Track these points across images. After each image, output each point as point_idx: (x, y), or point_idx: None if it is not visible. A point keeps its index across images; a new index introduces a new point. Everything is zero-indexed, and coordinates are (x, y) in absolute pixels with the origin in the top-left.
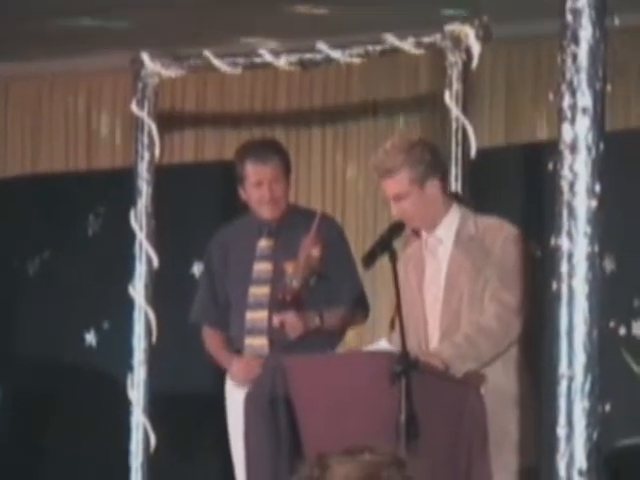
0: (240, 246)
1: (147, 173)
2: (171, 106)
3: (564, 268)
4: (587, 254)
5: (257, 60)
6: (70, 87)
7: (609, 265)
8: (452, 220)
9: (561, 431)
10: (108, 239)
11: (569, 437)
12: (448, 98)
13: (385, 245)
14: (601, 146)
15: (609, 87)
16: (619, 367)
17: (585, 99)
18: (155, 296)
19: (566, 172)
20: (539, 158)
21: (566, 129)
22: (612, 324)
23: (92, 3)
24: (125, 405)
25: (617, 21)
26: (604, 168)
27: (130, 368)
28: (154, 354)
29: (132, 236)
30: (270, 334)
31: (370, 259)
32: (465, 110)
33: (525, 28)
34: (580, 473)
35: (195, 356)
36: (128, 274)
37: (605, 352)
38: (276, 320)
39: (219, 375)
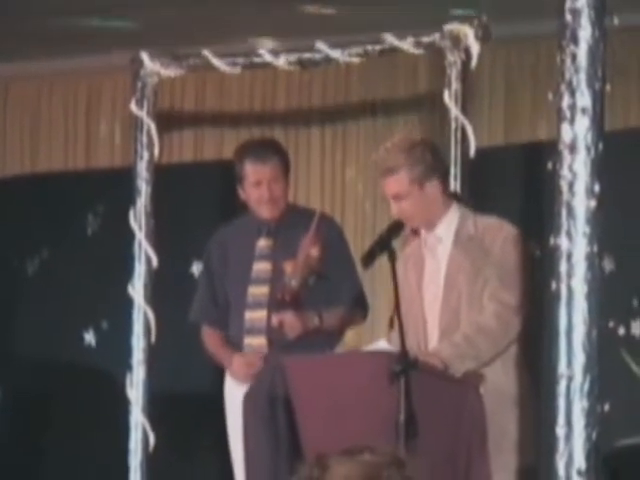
0: (239, 246)
1: (146, 172)
2: (170, 105)
3: (563, 268)
4: (586, 254)
5: (256, 60)
6: (69, 87)
7: (608, 265)
8: (452, 219)
9: (560, 431)
10: (107, 239)
11: (568, 437)
12: (447, 98)
13: (384, 245)
14: (600, 146)
15: (608, 87)
16: (618, 367)
17: (584, 99)
18: (154, 296)
19: (565, 172)
20: (538, 158)
21: (565, 129)
22: (611, 324)
23: (91, 3)
24: (124, 404)
25: (616, 21)
26: (603, 168)
27: (129, 368)
28: (153, 354)
29: (131, 235)
30: (269, 334)
31: (369, 259)
32: (464, 110)
33: (524, 28)
34: (579, 473)
35: (194, 356)
36: (127, 274)
37: (604, 352)
38: (275, 320)
39: (218, 375)
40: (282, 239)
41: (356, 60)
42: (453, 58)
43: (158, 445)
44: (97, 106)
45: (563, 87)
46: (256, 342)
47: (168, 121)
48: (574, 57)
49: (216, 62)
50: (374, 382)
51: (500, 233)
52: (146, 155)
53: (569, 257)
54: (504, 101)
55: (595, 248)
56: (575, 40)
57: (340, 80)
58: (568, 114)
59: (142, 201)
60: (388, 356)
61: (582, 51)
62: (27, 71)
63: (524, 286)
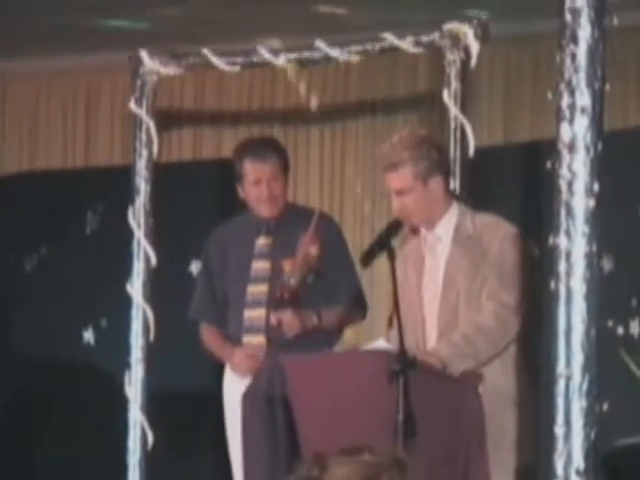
0: (238, 244)
1: (145, 171)
2: (169, 104)
3: (562, 267)
4: (585, 253)
5: (255, 58)
6: (68, 85)
7: (607, 265)
8: (451, 218)
9: (559, 430)
10: (106, 237)
11: (567, 436)
12: (447, 97)
13: (383, 244)
14: (599, 146)
15: (608, 87)
16: (617, 366)
17: (584, 98)
18: (153, 294)
19: (564, 171)
20: (538, 157)
21: (565, 128)
22: (610, 323)
23: (90, 1)
24: (123, 403)
25: (616, 20)
26: (602, 168)
27: (128, 366)
28: (152, 352)
29: (130, 234)
30: (268, 332)
31: (368, 258)
32: (464, 109)
33: (524, 27)
34: (578, 472)
35: (193, 354)
36: (126, 272)
37: (603, 351)
38: (274, 318)
39: (217, 373)
40: (281, 238)
41: (356, 59)
42: (453, 57)
43: (157, 443)
44: (96, 104)
45: (562, 86)
46: (255, 341)
47: (167, 119)
48: (574, 56)
49: (215, 61)
50: (373, 381)
51: (499, 232)
52: (145, 153)
53: (568, 256)
54: (503, 100)
55: (594, 248)
56: (575, 39)
57: (339, 79)
58: (567, 113)
59: (141, 199)
60: (387, 355)
61: (582, 51)
62: (26, 69)
63: (523, 286)
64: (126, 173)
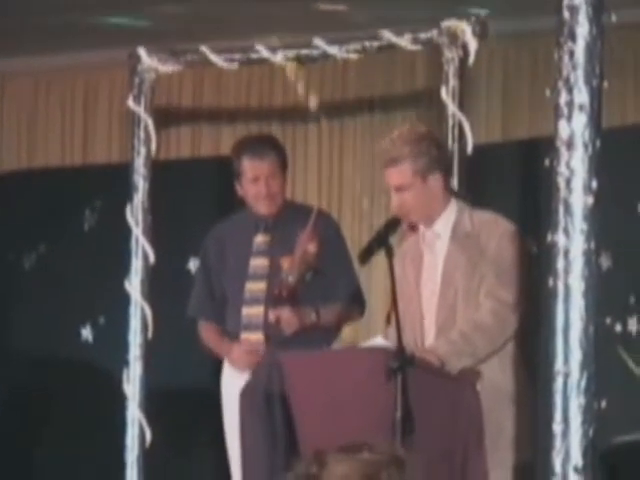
0: (236, 241)
1: (143, 168)
2: (168, 101)
3: (560, 265)
4: (583, 251)
5: (254, 56)
6: (67, 82)
7: (605, 262)
8: (450, 215)
9: (557, 428)
10: (104, 234)
11: (565, 434)
12: (445, 94)
13: (381, 241)
14: (597, 143)
15: (606, 84)
16: (615, 364)
17: (582, 96)
18: (151, 291)
19: (563, 169)
20: (536, 155)
21: (563, 126)
22: (608, 321)
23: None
24: (121, 400)
25: (614, 18)
26: (600, 165)
27: (126, 363)
28: (150, 349)
29: (128, 231)
30: (266, 330)
31: (367, 255)
32: (462, 106)
33: (522, 25)
34: (576, 470)
35: (191, 351)
36: (124, 269)
37: (601, 349)
38: (272, 316)
39: (215, 370)
40: (279, 235)
41: (354, 56)
42: (451, 55)
43: (155, 441)
44: (94, 102)
45: (561, 84)
46: (253, 338)
47: (165, 117)
48: (572, 54)
49: (213, 58)
50: (371, 378)
51: (497, 230)
52: (143, 151)
53: (566, 254)
54: (501, 98)
55: (592, 245)
56: (573, 37)
57: (337, 76)
58: (566, 111)
59: (139, 197)
60: (385, 352)
61: (580, 48)
62: (24, 67)
63: (521, 283)
64: (124, 171)
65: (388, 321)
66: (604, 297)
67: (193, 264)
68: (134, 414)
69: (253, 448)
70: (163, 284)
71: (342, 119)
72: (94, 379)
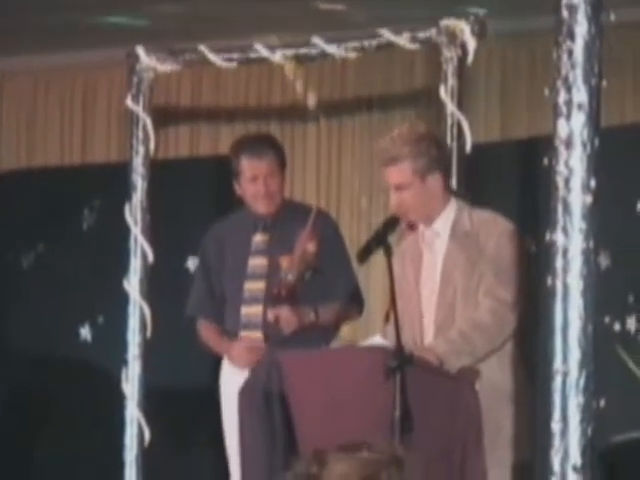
0: (235, 241)
1: (142, 168)
2: (166, 101)
3: (559, 264)
4: (582, 250)
5: (252, 55)
6: (65, 81)
7: (604, 261)
8: (449, 214)
9: (556, 426)
10: (103, 233)
11: (564, 433)
12: (443, 93)
13: (380, 240)
14: (596, 142)
15: (604, 83)
16: (614, 363)
17: (580, 95)
18: (150, 291)
19: (561, 168)
20: (534, 154)
21: (561, 125)
22: (607, 320)
23: None
24: (120, 399)
25: (613, 17)
26: (599, 164)
27: (125, 362)
28: (149, 349)
29: (127, 230)
30: (265, 329)
31: (365, 254)
32: (460, 105)
33: (521, 24)
34: (574, 469)
35: (190, 351)
36: (123, 268)
37: (600, 348)
38: (271, 315)
39: (214, 369)
40: (278, 234)
41: (352, 55)
42: (449, 54)
43: (153, 440)
44: (93, 101)
45: (559, 83)
46: (252, 337)
47: (164, 116)
48: (570, 53)
49: (212, 57)
50: (370, 377)
51: (496, 229)
52: (142, 150)
53: (565, 253)
54: (500, 97)
55: (591, 244)
56: (571, 36)
57: (336, 75)
58: (564, 110)
59: (138, 196)
60: (384, 351)
61: (578, 47)
62: (23, 66)
63: (520, 282)
64: (123, 170)
65: (387, 319)
66: (603, 296)
67: (192, 263)
68: (133, 413)
69: (252, 447)
70: (162, 283)
71: (341, 118)
72: (93, 378)
